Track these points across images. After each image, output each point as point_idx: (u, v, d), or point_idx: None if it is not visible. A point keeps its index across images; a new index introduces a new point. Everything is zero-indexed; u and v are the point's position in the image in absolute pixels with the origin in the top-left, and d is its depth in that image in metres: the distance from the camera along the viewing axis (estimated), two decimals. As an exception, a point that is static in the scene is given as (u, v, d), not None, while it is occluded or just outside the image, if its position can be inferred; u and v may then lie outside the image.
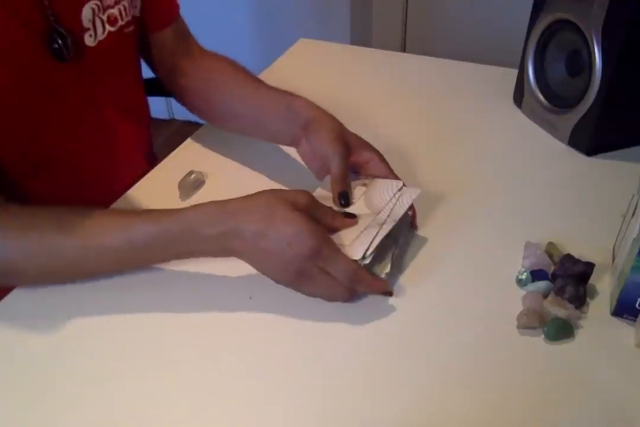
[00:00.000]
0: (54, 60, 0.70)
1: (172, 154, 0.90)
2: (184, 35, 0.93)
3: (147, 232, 0.63)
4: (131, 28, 0.81)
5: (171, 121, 2.31)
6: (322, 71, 1.13)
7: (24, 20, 0.67)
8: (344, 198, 0.70)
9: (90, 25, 0.73)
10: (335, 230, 0.66)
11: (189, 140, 0.93)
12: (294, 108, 0.78)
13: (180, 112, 2.41)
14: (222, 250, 0.64)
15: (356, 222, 0.67)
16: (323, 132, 0.73)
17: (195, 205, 0.64)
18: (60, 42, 0.69)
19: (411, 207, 0.71)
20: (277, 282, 0.65)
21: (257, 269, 0.65)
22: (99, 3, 0.73)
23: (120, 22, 0.78)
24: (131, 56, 0.86)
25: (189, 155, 0.90)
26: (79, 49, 0.72)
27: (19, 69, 0.68)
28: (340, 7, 1.93)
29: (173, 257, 0.67)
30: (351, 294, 0.65)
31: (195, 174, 0.83)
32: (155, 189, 0.83)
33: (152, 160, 0.93)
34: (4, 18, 0.65)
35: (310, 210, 0.64)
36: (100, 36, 0.75)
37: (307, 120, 0.75)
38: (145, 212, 0.65)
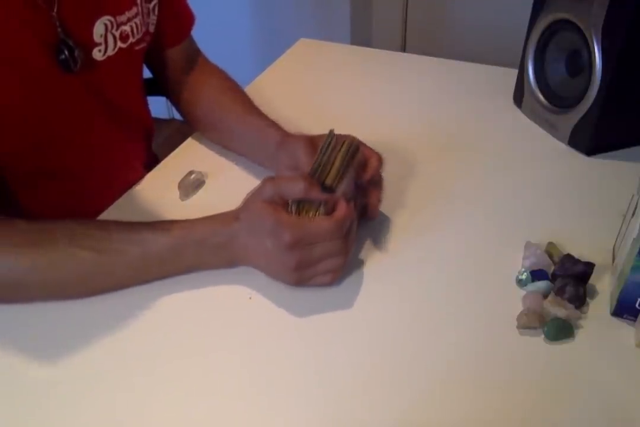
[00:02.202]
0: (61, 71, 0.71)
1: (172, 154, 0.90)
2: (193, 50, 0.94)
3: (160, 244, 0.64)
4: (142, 45, 0.82)
5: (171, 121, 2.30)
6: (322, 71, 1.13)
7: (33, 30, 0.67)
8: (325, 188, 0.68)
9: (101, 41, 0.74)
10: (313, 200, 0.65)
11: (189, 140, 0.93)
12: (269, 143, 0.79)
13: (181, 112, 2.40)
14: (231, 258, 0.67)
15: (334, 197, 0.65)
16: (295, 141, 0.75)
17: (200, 219, 0.67)
18: (67, 53, 0.70)
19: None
20: (289, 283, 0.66)
21: (267, 275, 0.67)
22: (112, 19, 0.74)
23: (131, 39, 0.78)
24: (138, 71, 0.86)
25: (189, 155, 0.90)
26: (86, 62, 0.73)
27: (26, 78, 0.69)
28: (340, 7, 1.93)
29: (185, 270, 0.68)
30: (349, 243, 0.66)
31: (195, 174, 0.83)
32: (155, 189, 0.83)
33: (151, 167, 0.94)
34: (14, 28, 0.65)
35: (278, 195, 0.64)
36: (110, 52, 0.76)
37: (279, 142, 0.77)
38: (155, 225, 0.66)
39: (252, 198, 0.66)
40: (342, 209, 0.65)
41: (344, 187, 0.67)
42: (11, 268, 0.63)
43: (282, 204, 0.65)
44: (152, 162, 0.95)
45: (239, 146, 0.86)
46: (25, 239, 0.64)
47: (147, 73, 0.93)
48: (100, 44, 0.74)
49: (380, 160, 0.72)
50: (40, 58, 0.69)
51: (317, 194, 0.64)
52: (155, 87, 0.95)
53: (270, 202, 0.64)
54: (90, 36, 0.73)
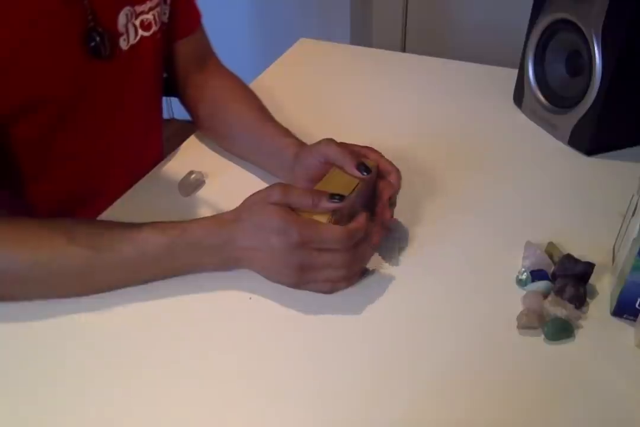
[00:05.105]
0: (90, 59, 0.73)
1: (172, 154, 0.90)
2: (202, 49, 0.94)
3: (156, 244, 0.65)
4: (159, 35, 0.83)
5: (171, 121, 2.31)
6: (322, 71, 1.13)
7: (64, 21, 0.69)
8: (363, 167, 0.68)
9: (124, 30, 0.76)
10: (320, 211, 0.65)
11: (189, 140, 0.93)
12: (285, 153, 0.78)
13: (181, 112, 2.40)
14: (227, 260, 0.67)
15: (343, 205, 0.65)
16: (311, 148, 0.74)
17: (196, 219, 0.67)
18: (98, 39, 0.72)
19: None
20: (288, 284, 0.66)
21: (266, 277, 0.67)
22: (131, 9, 0.76)
23: (154, 28, 0.80)
24: (159, 61, 0.87)
25: (189, 155, 0.90)
26: (113, 51, 0.75)
27: (57, 67, 0.70)
28: (340, 7, 1.93)
29: (181, 270, 0.68)
30: (356, 257, 0.66)
31: (195, 174, 0.83)
32: (155, 189, 0.83)
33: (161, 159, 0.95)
34: (46, 19, 0.67)
35: (285, 203, 0.64)
36: (133, 41, 0.78)
37: (296, 153, 0.76)
38: (152, 225, 0.66)
39: (257, 200, 0.65)
40: (359, 220, 0.65)
41: (354, 198, 0.67)
42: (11, 263, 0.63)
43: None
44: (161, 153, 0.96)
45: (251, 155, 0.85)
46: (26, 236, 0.64)
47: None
48: (123, 34, 0.76)
49: (399, 177, 0.71)
50: (71, 47, 0.70)
51: (325, 205, 0.64)
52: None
53: (278, 204, 0.64)
54: (116, 26, 0.75)
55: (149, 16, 0.79)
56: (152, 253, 0.65)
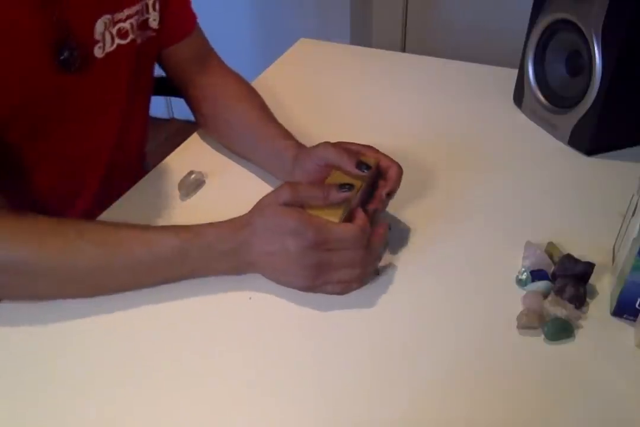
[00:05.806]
0: (61, 70, 0.71)
1: (172, 154, 0.90)
2: (201, 50, 0.94)
3: (167, 246, 0.64)
4: (140, 40, 0.82)
5: (171, 121, 2.31)
6: (322, 71, 1.13)
7: (37, 32, 0.68)
8: (364, 165, 0.68)
9: (100, 38, 0.75)
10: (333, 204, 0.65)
11: (189, 140, 0.93)
12: (284, 155, 0.78)
13: (180, 112, 2.40)
14: (239, 266, 0.67)
15: (352, 194, 0.65)
16: (310, 152, 0.74)
17: (209, 224, 0.66)
18: (68, 53, 0.71)
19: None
20: (302, 286, 0.66)
21: (279, 283, 0.67)
22: (110, 17, 0.75)
23: (131, 36, 0.79)
24: (141, 67, 0.86)
25: (189, 155, 0.90)
26: (87, 60, 0.74)
27: (27, 77, 0.69)
28: (340, 7, 1.93)
29: (190, 274, 0.67)
30: (370, 255, 0.66)
31: (195, 174, 0.83)
32: (155, 189, 0.83)
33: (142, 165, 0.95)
34: (19, 30, 0.66)
35: (296, 201, 0.64)
36: (109, 48, 0.77)
37: (294, 156, 0.76)
38: (166, 227, 0.66)
39: (267, 202, 0.65)
40: (360, 216, 0.65)
41: (359, 198, 0.67)
42: (19, 253, 0.62)
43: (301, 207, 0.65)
44: (144, 152, 0.96)
45: (251, 155, 0.85)
46: (35, 227, 0.64)
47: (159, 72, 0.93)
48: (99, 42, 0.75)
49: (400, 171, 0.71)
50: (40, 59, 0.69)
51: (336, 196, 0.64)
52: (155, 86, 0.95)
53: (289, 205, 0.64)
54: (92, 35, 0.74)
55: (126, 25, 0.77)
56: (163, 255, 0.64)
